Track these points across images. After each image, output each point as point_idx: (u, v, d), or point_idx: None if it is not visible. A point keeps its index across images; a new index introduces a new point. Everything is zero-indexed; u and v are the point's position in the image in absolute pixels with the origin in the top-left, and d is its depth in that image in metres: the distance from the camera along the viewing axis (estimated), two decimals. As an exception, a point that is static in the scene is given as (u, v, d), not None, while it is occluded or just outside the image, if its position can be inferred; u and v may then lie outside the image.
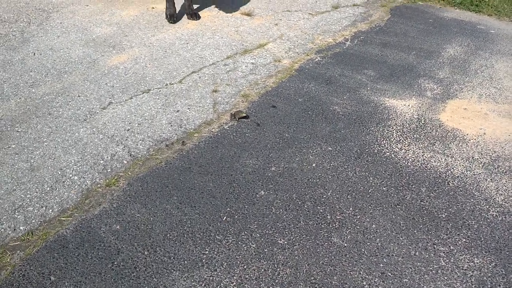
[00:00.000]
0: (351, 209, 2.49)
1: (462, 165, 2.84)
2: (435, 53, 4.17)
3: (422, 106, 3.40)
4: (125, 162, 2.72)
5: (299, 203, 2.51)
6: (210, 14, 4.67)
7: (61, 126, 2.97)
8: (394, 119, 3.23)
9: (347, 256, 2.21)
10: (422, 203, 2.55)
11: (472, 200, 2.58)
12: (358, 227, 2.38)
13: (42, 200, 2.42)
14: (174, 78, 3.55)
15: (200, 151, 2.84)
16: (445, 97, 3.52)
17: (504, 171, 2.80)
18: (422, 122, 3.22)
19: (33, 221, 2.31)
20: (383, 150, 2.94)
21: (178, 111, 3.18)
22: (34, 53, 3.79)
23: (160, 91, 3.38)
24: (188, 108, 3.21)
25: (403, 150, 2.95)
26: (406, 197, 2.57)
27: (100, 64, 3.66)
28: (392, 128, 3.15)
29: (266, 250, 2.22)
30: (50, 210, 2.37)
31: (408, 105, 3.40)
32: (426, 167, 2.82)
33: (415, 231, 2.36)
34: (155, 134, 2.95)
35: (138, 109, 3.17)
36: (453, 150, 2.97)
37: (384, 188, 2.63)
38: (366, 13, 4.96)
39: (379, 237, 2.32)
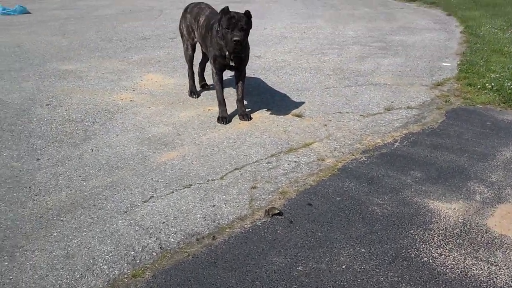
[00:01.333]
0: None
1: (508, 274, 2.64)
2: (490, 156, 4.05)
3: (468, 210, 3.26)
4: (154, 254, 2.79)
5: None
6: (261, 115, 4.85)
7: (102, 217, 3.11)
8: (437, 223, 3.12)
9: None
10: None
11: None
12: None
13: (70, 287, 2.50)
14: (217, 174, 3.66)
15: (228, 246, 2.85)
16: (496, 201, 3.37)
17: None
18: (467, 227, 3.08)
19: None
20: (420, 254, 2.82)
21: (214, 206, 3.24)
22: (92, 150, 4.07)
23: (200, 186, 3.48)
24: (225, 203, 3.27)
25: (443, 256, 2.82)
26: None
27: (150, 161, 3.86)
28: (434, 232, 3.03)
29: None
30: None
31: (454, 208, 3.28)
32: (466, 274, 2.66)
33: None
34: (188, 227, 3.02)
35: (176, 203, 3.27)
36: (498, 258, 2.79)
37: None
38: (420, 115, 4.95)
39: None
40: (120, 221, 3.08)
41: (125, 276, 2.62)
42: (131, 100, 5.27)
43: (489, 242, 2.93)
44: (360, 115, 4.95)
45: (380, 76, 6.23)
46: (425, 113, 5.03)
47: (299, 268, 2.71)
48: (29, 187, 3.44)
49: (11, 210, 3.18)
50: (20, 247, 2.81)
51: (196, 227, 3.05)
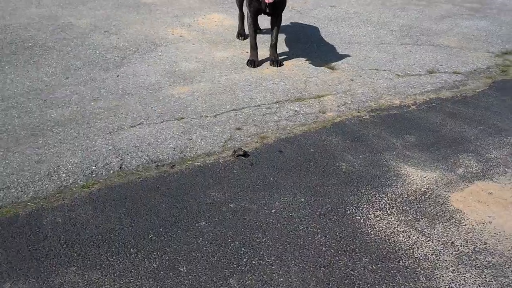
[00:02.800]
0: (273, 258, 2.45)
1: (432, 248, 2.57)
2: (506, 132, 3.75)
3: (439, 181, 3.14)
4: (111, 172, 3.09)
5: (229, 240, 2.56)
6: (294, 63, 4.88)
7: (88, 134, 3.46)
8: (395, 187, 3.06)
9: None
10: (351, 272, 2.39)
11: (411, 284, 2.34)
12: (269, 274, 2.34)
13: (26, 186, 2.88)
14: (212, 112, 3.84)
15: (180, 176, 3.07)
16: (477, 177, 3.20)
17: (479, 265, 2.47)
18: (425, 196, 2.99)
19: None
20: (355, 213, 2.82)
21: (190, 139, 3.45)
22: (118, 75, 4.43)
23: (191, 120, 3.70)
24: (201, 139, 3.46)
25: (378, 218, 2.79)
26: (340, 262, 2.44)
27: (161, 92, 4.13)
28: (385, 195, 2.99)
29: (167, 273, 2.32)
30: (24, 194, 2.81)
31: (425, 177, 3.18)
32: (388, 240, 2.63)
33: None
34: (154, 155, 3.26)
35: (159, 132, 3.52)
36: (434, 231, 2.71)
37: (324, 248, 2.52)
38: (461, 82, 4.67)
39: None
40: (100, 139, 3.40)
41: (76, 185, 2.94)
42: (181, 36, 5.53)
43: (437, 214, 2.83)
44: (396, 74, 4.77)
45: (447, 37, 5.85)
46: (469, 81, 4.71)
47: (231, 205, 2.84)
48: (45, 100, 3.88)
49: (19, 117, 3.63)
50: (6, 148, 3.23)
51: (162, 155, 3.27)
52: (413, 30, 6.07)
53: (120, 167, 3.11)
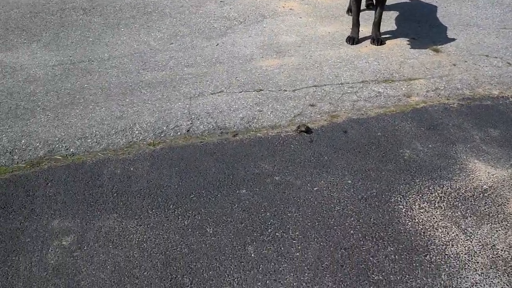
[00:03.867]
0: (297, 233, 2.54)
1: (468, 248, 2.47)
2: None
3: (508, 181, 2.98)
4: (178, 133, 3.34)
5: (262, 210, 2.71)
6: (397, 43, 4.73)
7: (170, 97, 3.74)
8: (454, 181, 2.90)
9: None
10: (370, 258, 2.40)
11: (429, 280, 2.28)
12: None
13: (102, 137, 3.26)
14: (293, 86, 3.92)
15: (238, 144, 3.22)
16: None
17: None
18: (485, 194, 2.83)
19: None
20: (400, 202, 2.79)
21: (261, 111, 3.58)
22: (217, 44, 4.67)
23: (269, 93, 3.82)
24: (272, 111, 3.58)
25: (422, 210, 2.70)
26: (363, 247, 2.46)
27: (251, 63, 4.30)
28: (440, 188, 2.87)
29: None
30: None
31: (493, 174, 2.97)
32: (424, 233, 2.56)
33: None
34: (222, 122, 3.45)
35: (235, 101, 3.70)
36: (479, 231, 2.57)
37: (352, 231, 2.53)
38: None
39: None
40: (180, 103, 3.67)
41: (144, 142, 3.25)
42: (291, 9, 5.61)
43: (489, 214, 2.68)
44: (507, 62, 4.40)
45: None
46: None
47: (276, 178, 2.94)
48: (144, 63, 4.26)
49: (117, 76, 4.04)
50: (96, 103, 3.64)
51: (229, 123, 3.45)
52: (549, 14, 5.43)
53: (188, 130, 3.33)
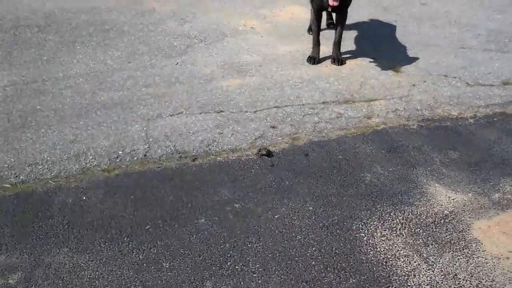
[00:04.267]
0: (258, 265, 2.45)
1: (430, 279, 2.42)
2: None
3: (468, 206, 2.99)
4: (135, 158, 3.23)
5: (221, 241, 2.63)
6: (356, 63, 4.72)
7: (127, 119, 3.62)
8: (415, 206, 2.88)
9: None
10: None
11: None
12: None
13: (56, 165, 3.09)
14: (254, 108, 3.84)
15: (197, 170, 3.11)
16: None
17: None
18: (445, 220, 2.81)
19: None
20: (361, 229, 2.71)
21: (221, 133, 3.49)
22: (177, 63, 4.57)
23: (229, 114, 3.73)
24: (232, 134, 3.49)
25: (383, 238, 2.65)
26: (325, 279, 2.38)
27: (211, 83, 4.21)
28: (402, 213, 2.82)
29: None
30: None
31: (453, 199, 2.95)
32: (386, 263, 2.52)
33: None
34: (181, 145, 3.35)
35: (194, 123, 3.60)
36: (441, 260, 2.55)
37: (313, 263, 2.47)
38: (543, 97, 4.22)
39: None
40: (137, 126, 3.54)
41: (98, 168, 3.10)
42: (252, 27, 5.56)
43: (450, 242, 2.67)
44: (466, 82, 4.44)
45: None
46: (551, 96, 4.24)
47: (236, 205, 2.84)
48: (100, 83, 4.11)
49: (71, 97, 3.89)
50: (48, 126, 3.48)
51: (188, 147, 3.34)
52: (502, 36, 5.56)
53: (145, 155, 3.22)
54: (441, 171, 3.18)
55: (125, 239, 2.55)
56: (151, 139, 3.36)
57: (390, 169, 3.18)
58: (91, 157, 3.16)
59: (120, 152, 3.22)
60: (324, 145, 3.39)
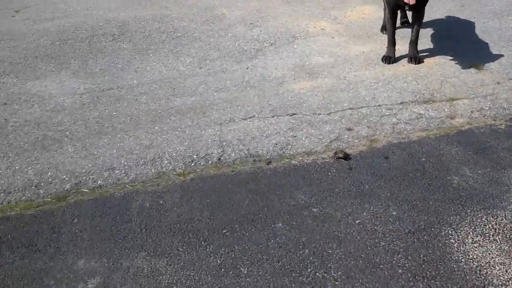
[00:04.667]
0: (340, 273, 2.32)
1: None
2: None
3: None
4: (210, 162, 3.18)
5: (300, 246, 2.54)
6: (435, 61, 4.50)
7: (200, 124, 3.60)
8: (509, 211, 2.65)
9: None
10: None
11: None
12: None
13: (130, 170, 3.12)
14: (327, 110, 3.73)
15: (272, 173, 3.04)
16: None
17: None
18: None
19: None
20: (451, 235, 2.53)
21: (295, 136, 3.40)
22: (248, 67, 4.53)
23: (303, 117, 3.64)
24: (306, 137, 3.39)
25: (476, 244, 2.47)
26: None
27: (283, 86, 4.14)
28: (495, 218, 2.62)
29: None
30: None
31: (555, 203, 2.70)
32: (480, 271, 2.34)
33: None
34: (254, 149, 3.28)
35: (267, 126, 3.53)
36: None
37: (400, 271, 2.32)
38: None
39: None
40: (210, 130, 3.51)
41: (173, 172, 3.09)
42: (322, 29, 5.45)
43: None
44: (560, 79, 4.10)
45: None
46: None
47: (314, 210, 2.74)
48: (174, 89, 4.14)
49: (146, 103, 3.92)
50: (125, 131, 3.52)
51: (262, 150, 3.28)
52: None
53: (219, 159, 3.16)
54: (537, 173, 2.91)
55: (202, 243, 2.49)
56: (224, 143, 3.30)
57: (479, 171, 2.95)
58: (166, 161, 3.14)
59: (194, 156, 3.18)
60: (405, 147, 3.20)
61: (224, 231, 2.57)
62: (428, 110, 3.66)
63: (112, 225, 2.63)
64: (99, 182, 2.98)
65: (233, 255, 2.42)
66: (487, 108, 3.66)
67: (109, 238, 2.54)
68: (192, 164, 3.12)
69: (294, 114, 3.66)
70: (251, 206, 2.74)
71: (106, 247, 2.49)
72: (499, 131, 3.37)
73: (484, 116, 3.57)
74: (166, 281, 2.29)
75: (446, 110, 3.66)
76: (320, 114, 3.66)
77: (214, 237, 2.53)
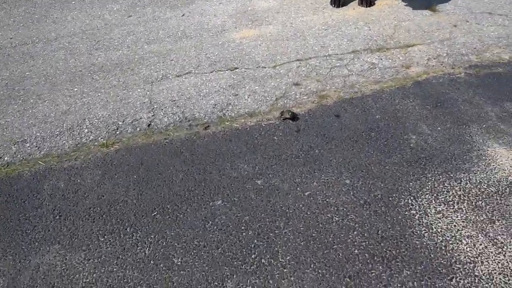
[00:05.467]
0: (289, 257, 1.98)
1: (502, 266, 1.94)
2: None
3: None
4: (138, 129, 2.74)
5: (242, 227, 2.15)
6: (389, 3, 4.11)
7: (128, 83, 3.14)
8: (473, 173, 2.37)
9: None
10: None
11: None
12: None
13: (45, 141, 2.64)
14: (273, 62, 3.31)
15: (210, 140, 2.64)
16: None
17: None
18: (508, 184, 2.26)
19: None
20: (411, 205, 2.21)
21: (236, 95, 2.98)
22: (183, 15, 4.02)
23: (245, 72, 3.21)
24: (249, 95, 2.97)
25: (439, 215, 2.17)
26: (372, 273, 1.91)
27: (223, 35, 3.67)
28: (458, 183, 2.32)
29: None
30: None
31: (521, 162, 2.42)
32: (446, 246, 2.05)
33: None
34: (190, 112, 2.86)
35: (204, 84, 3.09)
36: None
37: (356, 251, 1.99)
38: None
39: None
40: (139, 90, 3.05)
41: (95, 143, 2.64)
42: (265, -31, 4.90)
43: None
44: (515, 19, 3.79)
45: None
46: None
47: (258, 182, 2.37)
48: (98, 42, 3.60)
49: (65, 59, 3.40)
50: (38, 95, 3.01)
51: (199, 113, 2.85)
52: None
53: (149, 125, 2.73)
54: (498, 127, 2.64)
55: (127, 230, 2.09)
56: (155, 106, 2.86)
57: (439, 128, 2.64)
58: (86, 130, 2.68)
59: (120, 123, 2.73)
60: (358, 103, 2.85)
61: (153, 214, 2.18)
62: (381, 59, 3.30)
63: (19, 213, 2.19)
64: (5, 158, 2.52)
65: (164, 243, 2.04)
66: (444, 55, 3.34)
67: (16, 229, 2.12)
68: (117, 133, 2.68)
69: (236, 68, 3.24)
70: (186, 181, 2.34)
71: (11, 241, 2.07)
72: (458, 81, 3.06)
73: (441, 64, 3.25)
74: (84, 280, 1.90)
75: (401, 58, 3.31)
76: (265, 67, 3.24)
77: (142, 222, 2.14)
